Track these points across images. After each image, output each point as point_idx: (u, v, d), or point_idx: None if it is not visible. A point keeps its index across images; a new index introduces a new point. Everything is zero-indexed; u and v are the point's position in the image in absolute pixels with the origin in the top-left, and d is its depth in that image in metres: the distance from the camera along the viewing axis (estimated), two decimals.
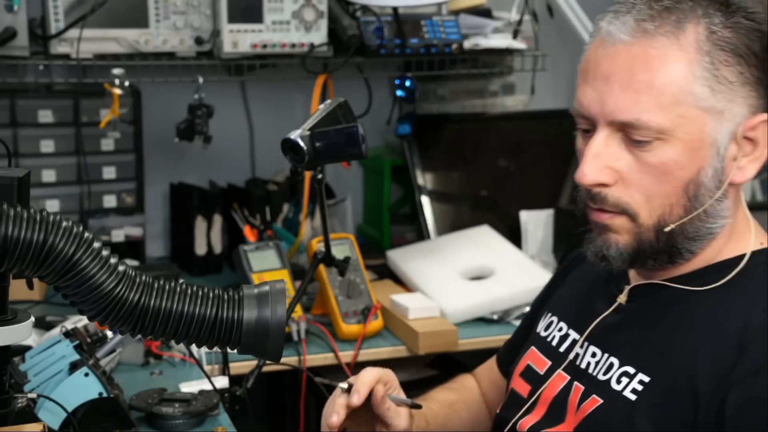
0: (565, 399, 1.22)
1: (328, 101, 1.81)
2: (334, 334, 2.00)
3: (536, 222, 2.45)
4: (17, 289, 1.04)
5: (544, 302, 1.43)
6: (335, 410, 1.28)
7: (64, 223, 0.87)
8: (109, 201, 2.39)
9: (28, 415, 1.21)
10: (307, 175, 2.17)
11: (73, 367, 1.46)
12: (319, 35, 2.25)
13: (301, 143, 1.67)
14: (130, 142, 2.39)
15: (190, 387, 1.72)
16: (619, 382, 1.15)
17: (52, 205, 2.32)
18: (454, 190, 2.57)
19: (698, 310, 1.14)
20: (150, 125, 2.43)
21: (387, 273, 2.32)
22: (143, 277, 0.90)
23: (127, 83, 2.17)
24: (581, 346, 1.24)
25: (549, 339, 1.31)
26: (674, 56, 1.08)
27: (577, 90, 1.15)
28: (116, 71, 2.15)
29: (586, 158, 1.13)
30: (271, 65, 2.35)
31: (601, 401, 1.16)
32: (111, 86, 2.15)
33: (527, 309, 2.12)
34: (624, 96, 1.09)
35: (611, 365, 1.18)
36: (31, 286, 1.34)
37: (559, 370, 1.25)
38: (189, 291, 0.92)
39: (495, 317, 2.13)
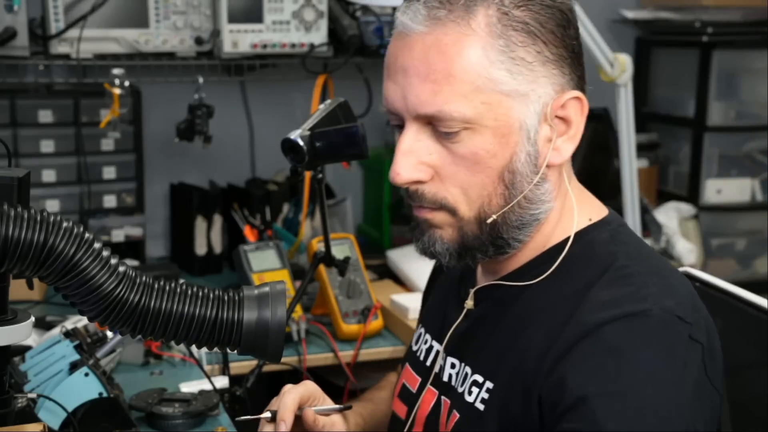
0: (437, 416, 1.17)
1: (328, 101, 1.81)
2: (334, 334, 2.01)
3: None
4: (17, 289, 1.04)
5: (421, 313, 1.38)
6: None
7: (65, 224, 0.87)
8: (109, 201, 2.39)
9: (28, 415, 1.21)
10: (307, 175, 2.18)
11: (73, 367, 1.47)
12: (319, 35, 2.25)
13: (301, 143, 1.67)
14: (130, 142, 2.39)
15: (190, 387, 1.72)
16: (470, 393, 1.11)
17: (52, 205, 2.33)
18: None
19: (531, 306, 1.10)
20: (150, 125, 2.43)
21: (387, 273, 2.33)
22: (143, 278, 0.90)
23: (127, 83, 2.17)
24: (442, 358, 1.19)
25: (418, 353, 1.26)
26: (467, 42, 1.02)
27: (383, 86, 1.10)
28: (116, 71, 2.15)
29: (397, 156, 1.08)
30: (271, 65, 2.35)
31: (459, 416, 1.12)
32: (111, 86, 2.15)
33: None
34: (423, 88, 1.04)
35: (466, 375, 1.13)
36: (31, 286, 1.34)
37: (428, 386, 1.20)
38: (189, 292, 0.92)
39: None
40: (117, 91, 2.15)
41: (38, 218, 0.86)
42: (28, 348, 1.56)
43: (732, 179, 2.77)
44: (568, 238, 1.11)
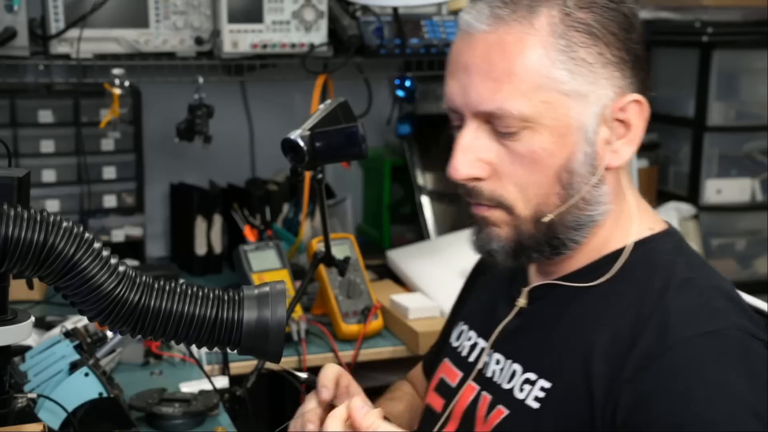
0: (474, 411, 1.17)
1: (328, 101, 1.81)
2: (334, 334, 2.01)
3: None
4: (17, 289, 1.04)
5: (458, 311, 1.38)
6: (308, 419, 1.23)
7: (65, 224, 0.87)
8: (109, 201, 2.39)
9: (28, 415, 1.21)
10: (307, 175, 2.18)
11: (73, 367, 1.46)
12: (319, 35, 2.25)
13: (301, 143, 1.67)
14: (130, 142, 2.39)
15: (190, 387, 1.72)
16: (522, 390, 1.11)
17: (52, 205, 2.33)
18: (454, 190, 2.56)
19: (592, 307, 1.10)
20: (150, 125, 2.43)
21: (387, 273, 2.33)
22: (143, 278, 0.90)
23: (127, 83, 2.17)
24: (488, 355, 1.19)
25: (459, 349, 1.26)
26: (529, 41, 1.04)
27: (445, 84, 1.13)
28: (116, 71, 2.15)
29: (456, 153, 1.10)
30: (271, 65, 2.35)
31: (507, 412, 1.12)
32: (111, 86, 2.15)
33: None
34: (484, 85, 1.06)
35: (514, 373, 1.14)
36: (31, 286, 1.34)
37: (470, 381, 1.20)
38: (189, 292, 0.92)
39: None
40: (117, 91, 2.15)
41: (38, 218, 0.86)
42: (28, 348, 1.56)
43: (732, 179, 2.77)
44: (627, 245, 1.11)
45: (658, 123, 2.93)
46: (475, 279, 1.38)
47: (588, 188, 1.07)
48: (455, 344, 1.29)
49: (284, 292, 0.95)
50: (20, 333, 0.96)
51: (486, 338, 1.21)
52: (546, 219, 1.08)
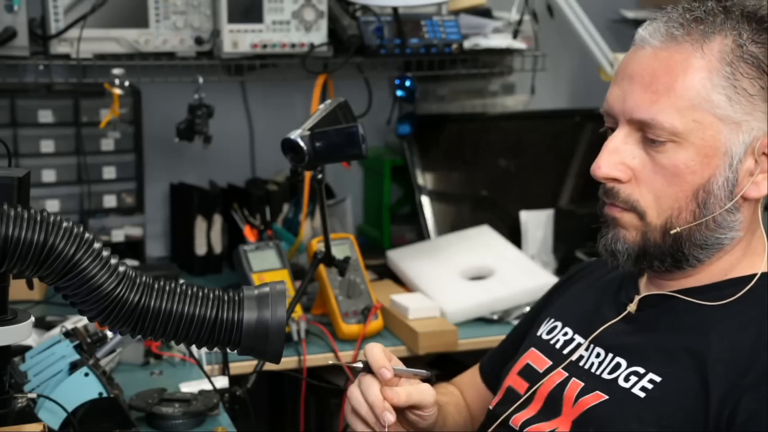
0: (561, 393, 1.22)
1: (328, 101, 1.81)
2: (334, 334, 2.00)
3: (536, 222, 2.45)
4: (17, 289, 1.04)
5: (541, 310, 1.43)
6: (385, 409, 1.19)
7: (65, 224, 0.87)
8: (109, 201, 2.39)
9: (28, 415, 1.21)
10: (307, 175, 2.18)
11: (73, 367, 1.46)
12: (319, 35, 2.25)
13: (301, 143, 1.67)
14: (130, 142, 2.39)
15: (190, 387, 1.72)
16: (627, 380, 1.16)
17: (52, 205, 2.32)
18: (454, 190, 2.57)
19: (711, 321, 1.15)
20: (150, 125, 2.43)
21: (387, 273, 2.32)
22: (143, 278, 0.90)
23: (127, 83, 2.17)
24: (586, 349, 1.24)
25: (552, 342, 1.31)
26: (696, 63, 1.11)
27: (608, 91, 1.20)
28: (116, 71, 2.15)
29: (603, 152, 1.16)
30: (271, 65, 2.35)
31: (606, 397, 1.16)
32: (111, 86, 2.15)
33: (527, 309, 2.13)
34: (644, 96, 1.12)
35: (618, 365, 1.19)
36: (31, 286, 1.34)
37: (559, 368, 1.25)
38: (189, 292, 0.92)
39: (495, 317, 2.13)
40: (117, 91, 2.15)
41: (38, 218, 0.86)
42: (28, 348, 1.56)
43: None
44: (755, 274, 1.16)
45: None
46: (568, 284, 1.44)
47: (721, 211, 1.13)
48: (546, 337, 1.33)
49: (284, 292, 0.95)
50: (20, 333, 0.96)
51: (585, 336, 1.26)
52: (674, 231, 1.14)
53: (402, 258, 2.30)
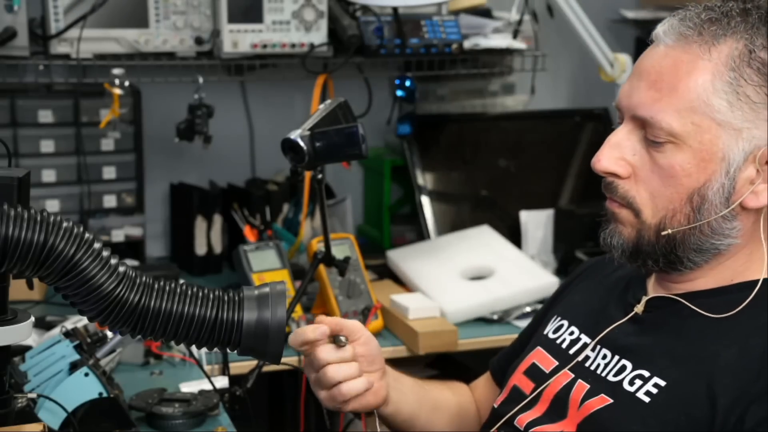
0: (567, 395, 1.22)
1: (328, 101, 1.81)
2: None
3: (536, 222, 2.45)
4: (17, 289, 1.04)
5: (549, 308, 1.43)
6: (358, 381, 1.27)
7: (65, 224, 0.87)
8: (109, 201, 2.39)
9: (28, 415, 1.21)
10: (307, 175, 2.18)
11: (73, 367, 1.46)
12: (319, 35, 2.25)
13: (301, 143, 1.67)
14: (130, 142, 2.39)
15: (190, 387, 1.72)
16: (632, 383, 1.16)
17: (52, 205, 2.32)
18: (454, 190, 2.57)
19: (719, 325, 1.14)
20: (150, 125, 2.43)
21: (387, 273, 2.32)
22: (143, 278, 0.90)
23: (127, 83, 2.17)
24: (593, 349, 1.24)
25: (558, 341, 1.31)
26: (701, 66, 1.10)
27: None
28: (116, 71, 2.15)
29: (605, 146, 1.17)
30: (271, 65, 2.35)
31: (612, 400, 1.16)
32: (111, 86, 2.15)
33: (527, 309, 2.14)
34: (647, 93, 1.13)
35: (624, 367, 1.18)
36: (31, 286, 1.34)
37: (565, 369, 1.25)
38: (189, 292, 0.92)
39: (495, 317, 2.13)
40: (117, 91, 2.15)
41: (38, 218, 0.86)
42: (28, 348, 1.56)
43: None
44: (761, 278, 1.15)
45: None
46: (576, 281, 1.43)
47: (716, 217, 1.12)
48: (552, 336, 1.33)
49: (284, 292, 0.95)
50: (20, 333, 0.97)
51: (591, 336, 1.26)
52: (665, 232, 1.14)
53: (402, 258, 2.30)
